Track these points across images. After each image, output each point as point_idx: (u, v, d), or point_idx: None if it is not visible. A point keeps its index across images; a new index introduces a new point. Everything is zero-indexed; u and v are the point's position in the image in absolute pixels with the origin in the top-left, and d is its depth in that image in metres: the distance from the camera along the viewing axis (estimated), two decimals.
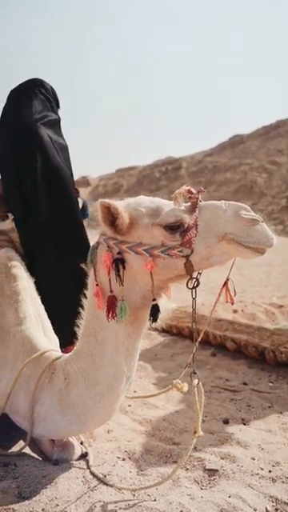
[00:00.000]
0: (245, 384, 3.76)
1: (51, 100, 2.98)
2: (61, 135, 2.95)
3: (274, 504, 2.06)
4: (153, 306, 1.94)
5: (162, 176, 58.10)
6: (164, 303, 2.07)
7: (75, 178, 3.09)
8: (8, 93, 2.96)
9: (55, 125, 2.92)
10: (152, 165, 64.05)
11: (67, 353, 2.60)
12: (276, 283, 9.87)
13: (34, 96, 2.89)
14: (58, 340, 2.63)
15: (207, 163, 56.71)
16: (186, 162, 59.57)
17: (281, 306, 6.21)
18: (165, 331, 5.49)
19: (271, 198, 42.56)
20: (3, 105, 2.94)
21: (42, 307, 2.60)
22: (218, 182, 50.19)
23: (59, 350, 2.55)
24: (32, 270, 2.68)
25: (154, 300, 1.94)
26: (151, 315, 1.94)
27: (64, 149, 2.94)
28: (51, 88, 3.02)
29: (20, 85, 2.96)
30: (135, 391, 3.50)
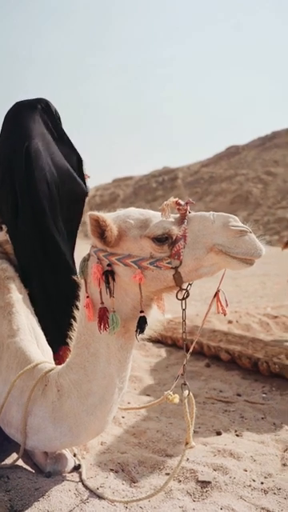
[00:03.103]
0: (238, 395, 3.76)
1: (51, 122, 2.97)
2: (56, 153, 2.93)
3: None
4: (140, 317, 1.94)
5: (158, 186, 58.37)
6: (156, 314, 2.08)
7: None
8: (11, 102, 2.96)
9: (51, 144, 2.92)
10: (148, 175, 64.33)
11: (60, 354, 2.61)
12: (271, 294, 9.90)
13: (37, 115, 2.90)
14: (51, 351, 2.63)
15: (203, 174, 57.04)
16: (183, 173, 59.90)
17: (275, 317, 6.23)
18: (159, 342, 5.50)
19: (267, 209, 42.77)
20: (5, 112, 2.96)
21: (35, 319, 2.61)
22: (214, 193, 50.45)
23: (53, 361, 2.56)
24: (26, 281, 2.70)
25: (141, 312, 1.95)
26: (138, 327, 1.94)
27: (60, 165, 2.91)
28: (55, 111, 3.02)
29: (24, 101, 2.96)
30: (129, 402, 3.49)
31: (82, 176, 3.02)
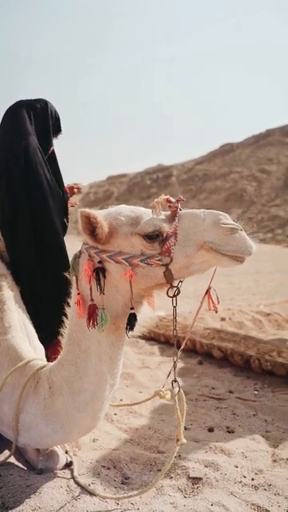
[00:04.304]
0: (230, 392, 3.78)
1: (45, 122, 2.98)
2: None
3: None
4: (130, 314, 1.95)
5: (152, 184, 58.27)
6: (146, 311, 2.08)
7: (65, 184, 3.10)
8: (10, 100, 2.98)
9: (48, 141, 2.94)
10: (143, 172, 64.19)
11: (55, 347, 2.61)
12: (265, 291, 9.94)
13: (34, 114, 2.91)
14: (43, 348, 2.64)
15: (198, 171, 56.99)
16: (177, 170, 59.83)
17: (268, 314, 6.26)
18: (152, 339, 5.51)
19: (261, 207, 42.83)
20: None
21: (27, 316, 2.61)
22: (208, 190, 50.43)
23: (44, 358, 2.56)
24: (18, 279, 2.69)
25: (131, 309, 1.95)
26: (128, 324, 1.95)
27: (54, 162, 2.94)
28: (55, 111, 3.03)
29: (24, 101, 2.97)
30: (121, 400, 3.50)
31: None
